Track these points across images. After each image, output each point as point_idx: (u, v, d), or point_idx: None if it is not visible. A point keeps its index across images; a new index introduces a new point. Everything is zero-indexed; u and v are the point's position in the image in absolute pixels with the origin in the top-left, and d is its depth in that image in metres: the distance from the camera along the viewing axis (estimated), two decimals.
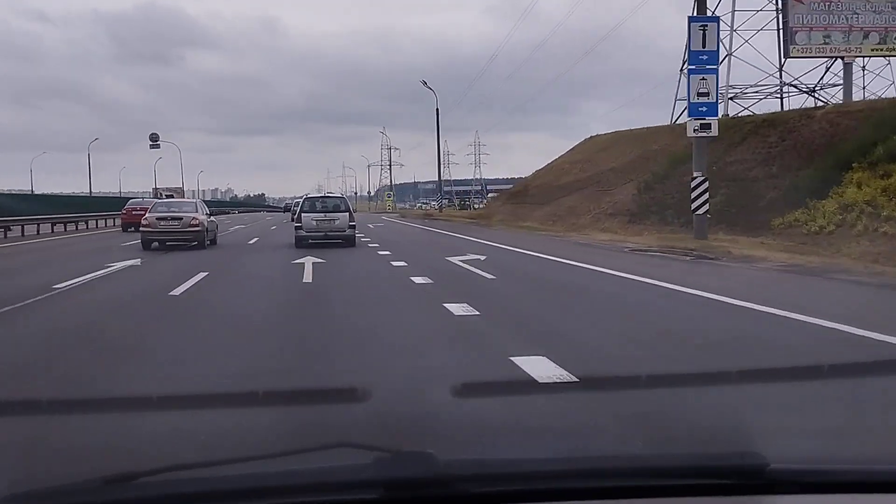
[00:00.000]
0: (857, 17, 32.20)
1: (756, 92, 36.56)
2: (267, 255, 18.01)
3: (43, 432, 3.83)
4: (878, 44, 32.62)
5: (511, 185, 64.56)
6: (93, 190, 75.37)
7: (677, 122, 33.14)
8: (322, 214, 19.57)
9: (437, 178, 63.96)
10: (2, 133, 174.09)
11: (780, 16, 33.63)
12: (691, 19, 19.64)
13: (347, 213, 19.78)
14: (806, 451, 2.93)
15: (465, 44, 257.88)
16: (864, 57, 34.10)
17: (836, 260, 14.13)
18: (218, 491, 1.54)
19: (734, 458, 1.67)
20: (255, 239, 24.89)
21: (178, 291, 10.09)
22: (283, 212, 63.31)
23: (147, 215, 20.11)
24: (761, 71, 36.22)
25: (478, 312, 7.77)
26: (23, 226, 29.82)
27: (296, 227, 19.66)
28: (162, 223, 19.54)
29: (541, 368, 5.02)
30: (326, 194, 24.50)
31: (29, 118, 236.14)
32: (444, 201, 70.29)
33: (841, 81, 33.56)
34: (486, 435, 3.50)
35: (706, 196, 19.28)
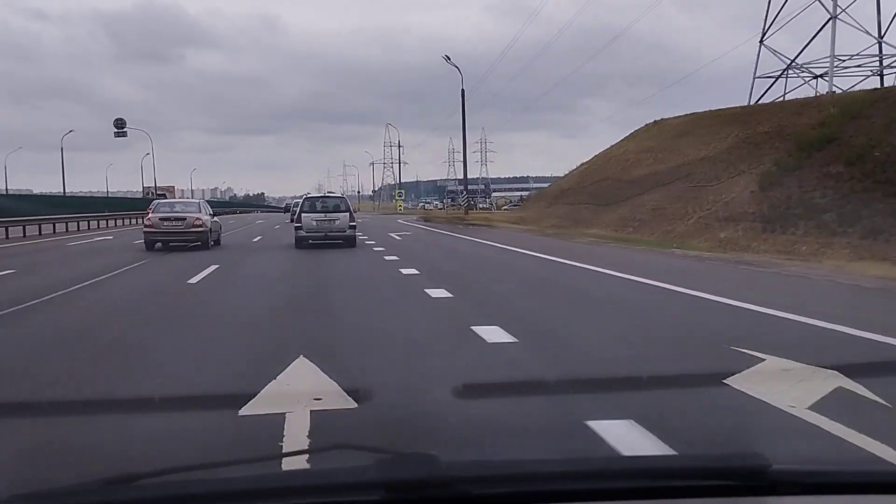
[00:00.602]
0: None
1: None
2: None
3: (45, 432, 3.84)
4: None
5: (547, 184, 58.09)
6: (91, 190, 74.92)
7: (758, 102, 29.21)
8: (322, 215, 19.57)
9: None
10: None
11: None
12: None
13: (348, 214, 19.76)
14: (808, 452, 2.93)
15: (466, 42, 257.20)
16: None
17: None
18: (219, 492, 1.54)
19: (736, 458, 1.66)
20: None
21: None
22: (284, 212, 61.35)
23: (150, 215, 20.07)
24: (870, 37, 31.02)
25: None
26: (39, 224, 31.25)
27: (295, 227, 19.73)
28: (165, 223, 19.50)
29: None
30: (326, 194, 24.55)
31: (29, 117, 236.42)
32: (447, 201, 69.29)
33: None
34: (488, 435, 3.50)
35: None
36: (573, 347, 6.38)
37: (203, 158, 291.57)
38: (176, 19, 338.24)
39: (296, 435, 3.62)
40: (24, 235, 28.67)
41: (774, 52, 33.71)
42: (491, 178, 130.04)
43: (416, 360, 5.85)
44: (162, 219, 19.65)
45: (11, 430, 4.01)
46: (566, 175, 44.08)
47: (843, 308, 8.31)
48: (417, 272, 12.52)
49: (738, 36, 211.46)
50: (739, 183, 22.99)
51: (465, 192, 53.79)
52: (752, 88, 34.30)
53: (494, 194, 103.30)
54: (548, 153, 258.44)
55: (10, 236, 27.50)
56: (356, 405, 4.16)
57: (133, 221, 41.65)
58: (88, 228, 36.48)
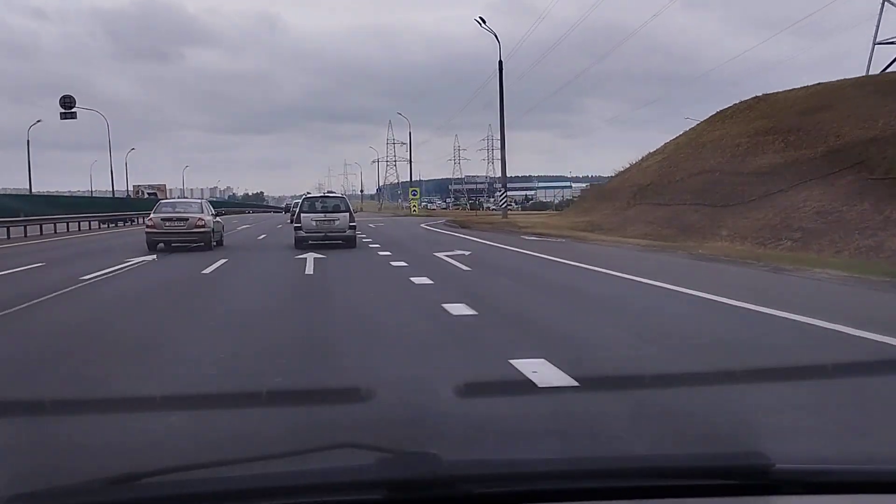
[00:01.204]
0: None
1: None
2: None
3: (47, 432, 3.83)
4: None
5: (550, 184, 49.12)
6: (90, 190, 73.92)
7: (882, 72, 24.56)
8: (322, 215, 19.55)
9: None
10: None
11: None
12: None
13: (348, 214, 19.73)
14: (810, 452, 2.92)
15: (466, 41, 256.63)
16: None
17: None
18: (221, 491, 1.54)
19: (738, 458, 1.66)
20: None
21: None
22: (284, 212, 59.61)
23: (152, 216, 20.03)
24: None
25: None
26: (55, 223, 32.97)
27: (295, 227, 19.73)
28: (167, 224, 19.46)
29: None
30: (326, 194, 24.44)
31: (29, 117, 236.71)
32: (449, 200, 67.81)
33: None
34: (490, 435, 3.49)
35: None
36: None
37: (202, 157, 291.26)
38: (175, 17, 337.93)
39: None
40: (25, 235, 28.69)
41: None
42: (493, 177, 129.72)
43: None
44: (164, 219, 19.60)
45: (11, 429, 4.01)
46: (627, 168, 36.12)
47: None
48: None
49: (739, 37, 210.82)
50: None
51: (504, 191, 43.44)
52: (870, 56, 29.83)
53: (497, 194, 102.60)
54: (549, 153, 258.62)
55: (10, 236, 27.54)
56: None
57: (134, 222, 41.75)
58: (90, 229, 36.52)
